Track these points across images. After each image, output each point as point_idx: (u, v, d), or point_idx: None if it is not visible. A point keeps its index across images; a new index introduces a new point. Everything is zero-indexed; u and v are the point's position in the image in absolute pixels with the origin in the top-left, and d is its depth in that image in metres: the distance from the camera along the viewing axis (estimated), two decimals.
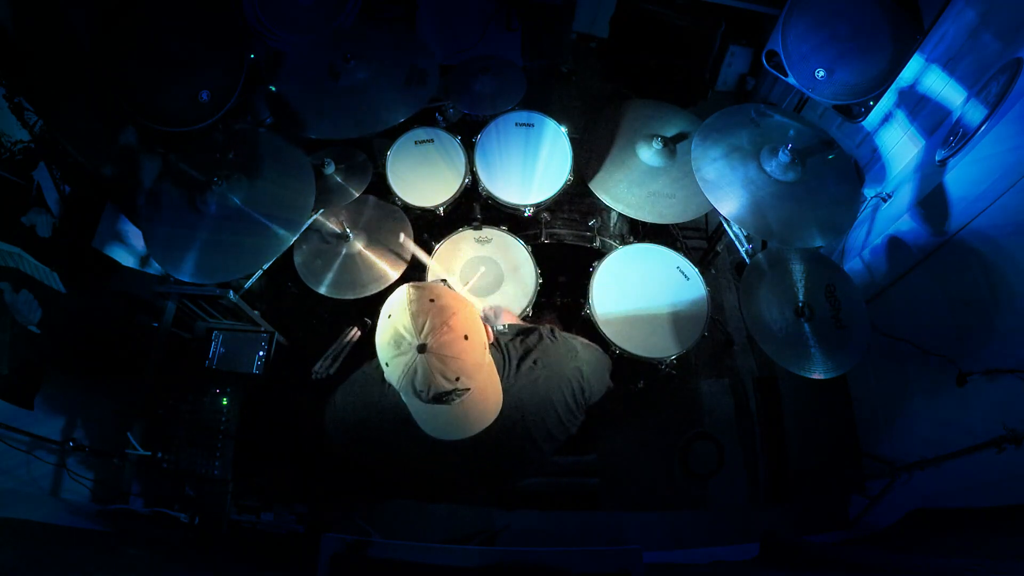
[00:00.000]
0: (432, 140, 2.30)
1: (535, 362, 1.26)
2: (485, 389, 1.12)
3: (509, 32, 3.06)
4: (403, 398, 1.10)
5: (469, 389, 1.06)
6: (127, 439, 1.87)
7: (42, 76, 1.85)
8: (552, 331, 1.36)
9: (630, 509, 2.40)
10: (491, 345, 1.21)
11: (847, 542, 2.20)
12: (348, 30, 2.28)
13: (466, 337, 1.05)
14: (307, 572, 1.51)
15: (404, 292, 1.10)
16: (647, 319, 2.08)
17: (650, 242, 2.22)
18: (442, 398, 1.04)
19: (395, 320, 1.06)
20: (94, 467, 1.97)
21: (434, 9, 3.02)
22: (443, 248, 2.19)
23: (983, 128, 1.93)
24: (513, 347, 1.29)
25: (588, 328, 2.08)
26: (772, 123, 2.07)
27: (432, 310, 1.05)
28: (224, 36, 2.05)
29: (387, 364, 1.06)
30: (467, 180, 2.23)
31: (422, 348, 1.01)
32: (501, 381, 1.20)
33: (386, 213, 2.23)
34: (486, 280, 2.13)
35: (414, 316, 1.04)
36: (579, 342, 1.41)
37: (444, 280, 1.22)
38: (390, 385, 1.10)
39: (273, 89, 2.12)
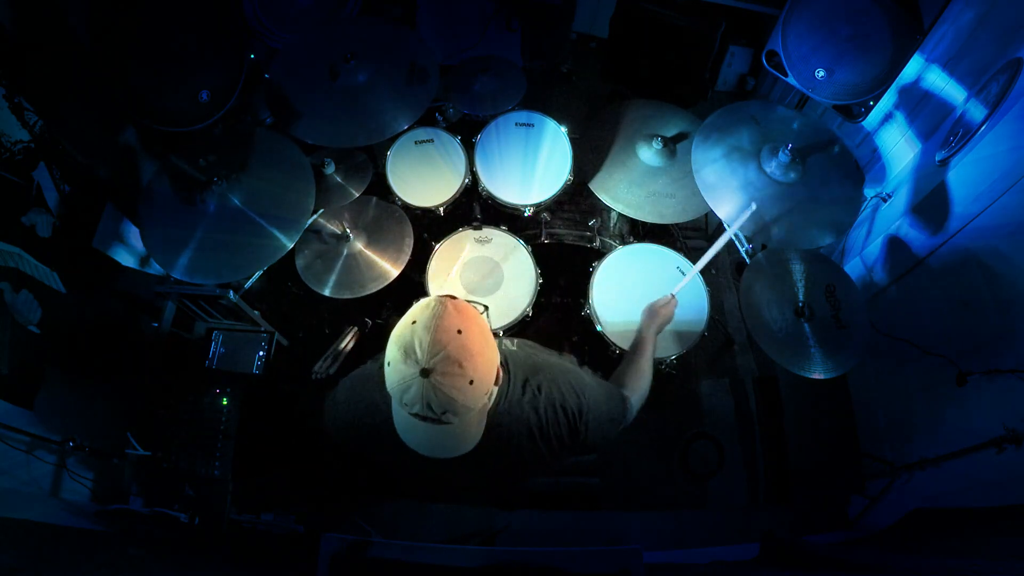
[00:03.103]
0: (432, 140, 2.30)
1: (538, 388, 1.23)
2: (467, 428, 1.09)
3: (509, 32, 3.05)
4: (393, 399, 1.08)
5: (451, 424, 1.02)
6: (127, 439, 1.87)
7: (42, 76, 1.85)
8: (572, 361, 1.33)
9: (630, 509, 2.41)
10: (500, 365, 1.17)
11: (847, 542, 2.20)
12: (349, 29, 2.28)
13: (471, 383, 1.01)
14: (307, 572, 1.51)
15: (437, 306, 1.05)
16: None
17: (650, 242, 2.22)
18: (423, 418, 1.01)
19: (416, 330, 1.02)
20: (94, 467, 1.97)
21: (434, 9, 3.01)
22: (443, 248, 2.19)
23: (983, 128, 1.93)
24: (516, 365, 1.26)
25: (588, 328, 2.08)
26: (774, 117, 2.07)
27: (452, 343, 1.00)
28: (224, 36, 2.05)
29: (389, 363, 1.04)
30: (467, 180, 2.23)
31: (425, 372, 0.98)
32: (501, 403, 1.18)
33: (386, 213, 2.23)
34: (486, 280, 2.14)
35: (434, 339, 1.00)
36: (595, 381, 1.37)
37: (487, 307, 1.16)
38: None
39: (267, 76, 2.11)
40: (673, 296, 1.80)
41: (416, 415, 1.01)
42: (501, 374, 1.14)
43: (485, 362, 1.04)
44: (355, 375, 1.33)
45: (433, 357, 0.98)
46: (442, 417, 1.00)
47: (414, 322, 1.03)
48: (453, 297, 1.10)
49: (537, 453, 1.23)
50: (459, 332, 1.01)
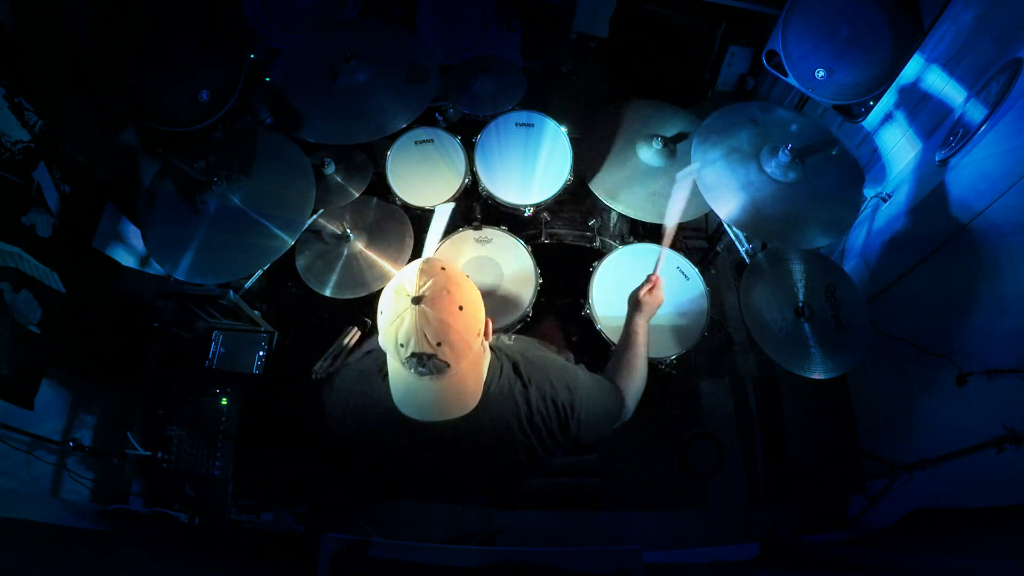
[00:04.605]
0: (432, 140, 2.30)
1: (529, 380, 1.24)
2: (465, 379, 1.12)
3: (509, 32, 3.06)
4: (388, 357, 1.12)
5: (449, 365, 1.06)
6: (127, 439, 1.87)
7: (42, 76, 1.85)
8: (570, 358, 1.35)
9: (630, 509, 2.41)
10: (490, 348, 1.21)
11: (847, 542, 2.20)
12: (348, 30, 2.28)
13: (460, 308, 1.07)
14: (307, 572, 1.51)
15: (423, 259, 1.15)
16: None
17: (650, 242, 2.22)
18: (421, 360, 1.04)
19: (404, 274, 1.12)
20: (94, 467, 1.97)
21: (434, 9, 3.02)
22: (443, 248, 2.19)
23: (983, 128, 1.93)
24: (509, 356, 1.28)
25: (588, 328, 2.08)
26: (773, 119, 2.07)
27: (438, 275, 1.09)
28: (224, 36, 2.05)
29: (382, 312, 1.10)
30: (467, 180, 2.23)
31: (416, 300, 1.05)
32: (492, 385, 1.20)
33: (387, 213, 2.23)
34: (486, 280, 2.13)
35: (421, 273, 1.09)
36: (590, 377, 1.36)
37: (466, 275, 1.23)
38: (384, 376, 1.14)
39: (268, 80, 2.11)
40: (655, 279, 1.63)
41: (413, 356, 1.04)
42: (490, 327, 1.19)
43: (472, 294, 1.12)
44: (351, 365, 1.37)
45: (422, 287, 1.07)
46: (438, 351, 1.04)
47: (402, 272, 1.14)
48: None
49: (528, 446, 1.24)
50: (443, 269, 1.11)
